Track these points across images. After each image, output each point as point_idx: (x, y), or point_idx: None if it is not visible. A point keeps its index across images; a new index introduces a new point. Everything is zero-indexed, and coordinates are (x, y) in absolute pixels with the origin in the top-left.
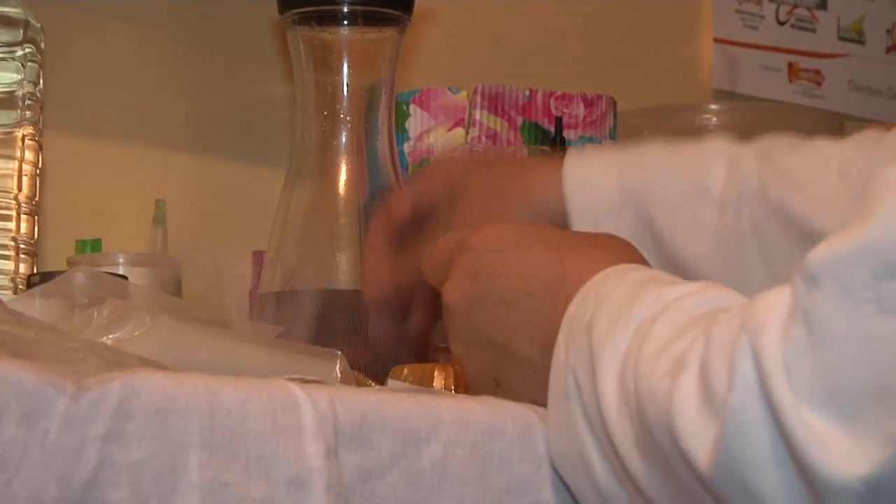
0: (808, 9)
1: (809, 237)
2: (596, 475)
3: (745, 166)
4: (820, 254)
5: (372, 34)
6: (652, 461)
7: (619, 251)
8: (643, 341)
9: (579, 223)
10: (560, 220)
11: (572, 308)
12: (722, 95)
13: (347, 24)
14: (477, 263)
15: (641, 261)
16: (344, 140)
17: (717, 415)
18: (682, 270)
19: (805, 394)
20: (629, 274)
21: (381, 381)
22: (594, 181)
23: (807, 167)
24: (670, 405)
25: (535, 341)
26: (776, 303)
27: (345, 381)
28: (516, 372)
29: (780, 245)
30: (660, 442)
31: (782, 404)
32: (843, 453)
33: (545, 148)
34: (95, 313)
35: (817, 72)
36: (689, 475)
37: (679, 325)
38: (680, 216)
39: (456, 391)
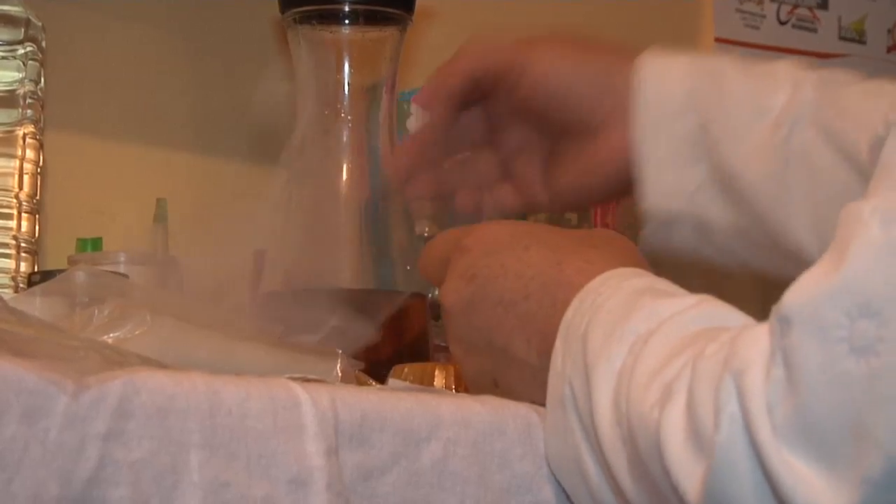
0: (810, 8)
1: (857, 168)
2: (590, 480)
3: (805, 92)
4: (794, 295)
5: (373, 33)
6: (643, 484)
7: (617, 252)
8: (636, 361)
9: (643, 116)
10: (622, 110)
11: (569, 314)
12: None
13: (348, 24)
14: (473, 265)
15: (639, 262)
16: (345, 139)
17: (705, 452)
18: (727, 180)
19: (785, 434)
20: (626, 281)
21: (381, 380)
22: (666, 79)
23: (861, 103)
24: (659, 437)
25: (533, 344)
26: (758, 341)
27: (346, 380)
28: (515, 373)
29: (828, 169)
30: (650, 469)
31: (764, 444)
32: (821, 493)
33: None
34: (96, 312)
35: None
36: None
37: (671, 347)
38: (737, 128)
39: (456, 390)
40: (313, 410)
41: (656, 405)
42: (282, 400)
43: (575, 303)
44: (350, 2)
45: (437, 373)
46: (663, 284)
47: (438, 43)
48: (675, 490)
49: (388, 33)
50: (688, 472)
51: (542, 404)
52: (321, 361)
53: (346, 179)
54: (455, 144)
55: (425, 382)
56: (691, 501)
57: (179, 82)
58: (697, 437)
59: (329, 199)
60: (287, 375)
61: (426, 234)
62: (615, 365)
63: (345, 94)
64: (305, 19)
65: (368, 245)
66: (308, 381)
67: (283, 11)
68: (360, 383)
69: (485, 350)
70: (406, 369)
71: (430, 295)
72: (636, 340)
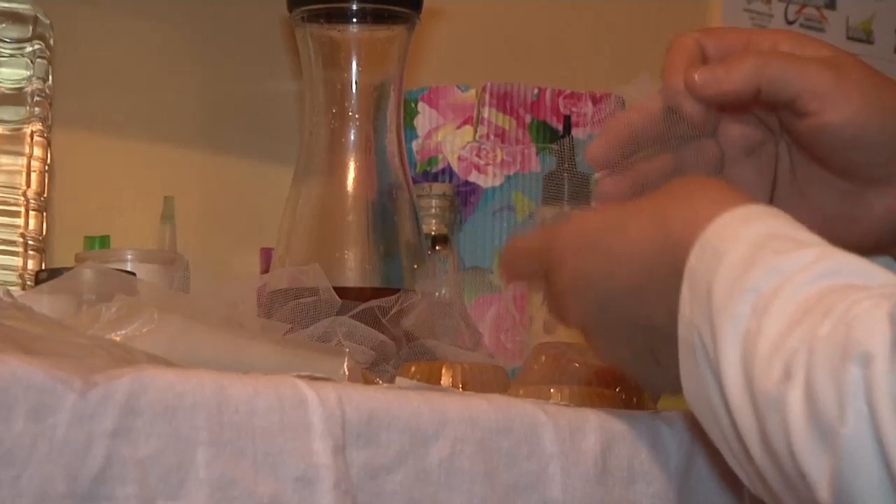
0: (817, 8)
1: None
2: (724, 431)
3: None
4: None
5: (381, 32)
6: (770, 456)
7: (715, 192)
8: (758, 329)
9: None
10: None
11: (693, 259)
12: None
13: (356, 22)
14: (582, 273)
15: (739, 197)
16: (352, 137)
17: (830, 444)
18: None
19: None
20: (745, 227)
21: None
22: None
23: None
24: (785, 419)
25: (675, 313)
26: (878, 326)
27: (353, 378)
28: (670, 346)
29: None
30: (777, 448)
31: (891, 440)
32: None
33: (553, 146)
34: (103, 309)
35: None
36: (806, 492)
37: (790, 314)
38: None
39: (464, 389)
40: (320, 408)
41: (780, 383)
42: (289, 398)
43: (696, 249)
44: (358, 0)
45: (444, 371)
46: (781, 226)
47: (446, 42)
48: (802, 476)
49: (395, 32)
50: (814, 462)
51: None
52: (328, 359)
53: (354, 178)
54: (675, 138)
55: (432, 381)
56: (822, 495)
57: (187, 80)
58: (821, 427)
59: (336, 198)
60: (294, 373)
61: (433, 233)
62: (740, 327)
63: (352, 92)
64: (313, 18)
65: (376, 243)
66: (315, 379)
67: (291, 10)
68: (368, 381)
69: (633, 335)
70: (413, 368)
71: (436, 293)
72: (758, 300)
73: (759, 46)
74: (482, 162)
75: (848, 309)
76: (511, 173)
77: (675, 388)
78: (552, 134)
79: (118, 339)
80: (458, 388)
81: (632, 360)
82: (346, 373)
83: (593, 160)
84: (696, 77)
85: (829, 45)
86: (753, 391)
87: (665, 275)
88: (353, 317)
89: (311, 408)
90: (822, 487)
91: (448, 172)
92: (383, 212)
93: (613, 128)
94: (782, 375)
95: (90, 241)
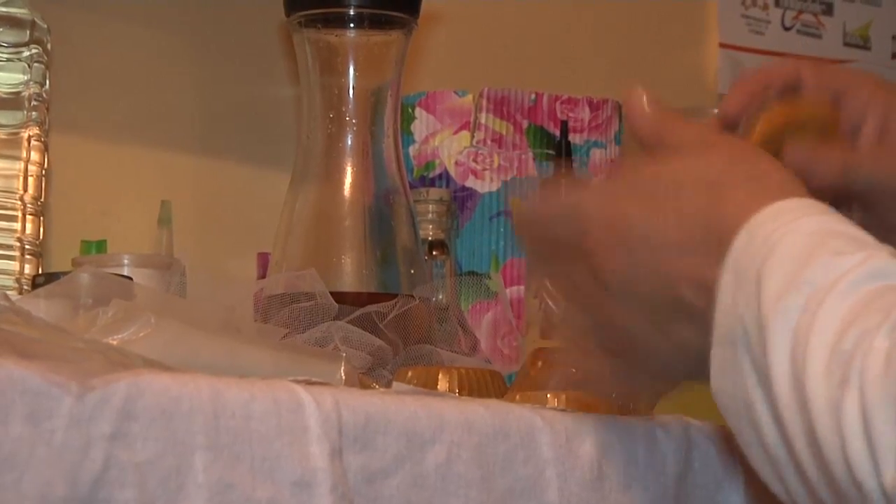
0: (814, 14)
1: None
2: (761, 428)
3: None
4: None
5: (378, 37)
6: (818, 456)
7: (775, 178)
8: (810, 327)
9: None
10: None
11: (739, 244)
12: None
13: (354, 27)
14: (623, 216)
15: (799, 188)
16: (349, 142)
17: (893, 466)
18: None
19: None
20: (801, 220)
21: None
22: None
23: None
24: (841, 429)
25: (702, 292)
26: None
27: (349, 383)
28: (688, 325)
29: None
30: (826, 452)
31: None
32: None
33: (550, 151)
34: (100, 314)
35: None
36: (861, 501)
37: (843, 314)
38: None
39: (460, 394)
40: (317, 413)
41: (834, 387)
42: (285, 402)
43: (743, 235)
44: (355, 5)
45: (441, 376)
46: (838, 222)
47: (443, 47)
48: (857, 485)
49: (393, 37)
50: (871, 475)
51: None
52: (325, 364)
53: (351, 183)
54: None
55: (429, 386)
56: None
57: (184, 85)
58: (876, 446)
59: (333, 203)
60: (291, 378)
61: (430, 238)
62: (791, 321)
63: (350, 97)
64: (311, 22)
65: (373, 248)
66: (312, 383)
67: (288, 14)
68: (364, 386)
69: (653, 301)
70: (410, 372)
71: (433, 299)
72: (812, 294)
73: (858, 97)
74: (479, 167)
75: None
76: (508, 178)
77: (675, 374)
78: (549, 139)
79: (115, 343)
80: (455, 392)
81: (642, 330)
82: (343, 377)
83: (726, 112)
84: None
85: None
86: (805, 389)
87: (706, 251)
88: (349, 322)
89: (308, 412)
90: (880, 499)
91: (445, 177)
92: (380, 217)
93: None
94: (839, 380)
95: (87, 246)
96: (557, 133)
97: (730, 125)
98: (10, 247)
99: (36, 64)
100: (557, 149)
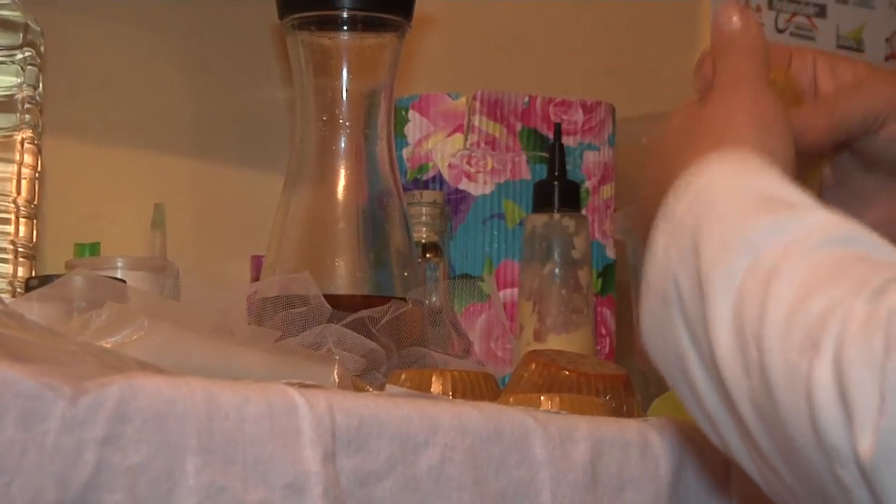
0: (808, 17)
1: None
2: (696, 386)
3: None
4: None
5: (371, 39)
6: (768, 420)
7: (744, 137)
8: (767, 291)
9: None
10: None
11: (671, 200)
12: None
13: (347, 30)
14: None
15: (774, 146)
16: (343, 145)
17: (865, 433)
18: None
19: None
20: (737, 179)
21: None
22: None
23: None
24: (810, 395)
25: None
26: None
27: (343, 386)
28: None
29: None
30: (789, 419)
31: None
32: None
33: (544, 154)
34: (94, 317)
35: None
36: (823, 462)
37: (806, 278)
38: None
39: (454, 396)
40: (310, 415)
41: (803, 354)
42: (279, 405)
43: (681, 190)
44: (349, 8)
45: (434, 379)
46: (779, 183)
47: (437, 49)
48: (824, 450)
49: (386, 40)
50: (844, 442)
51: None
52: (318, 367)
53: (344, 185)
54: None
55: (423, 388)
56: (850, 470)
57: (178, 87)
58: (852, 411)
59: (327, 206)
60: (284, 381)
61: (423, 240)
62: (735, 280)
63: (343, 100)
64: (304, 25)
65: (366, 251)
66: (305, 386)
67: (281, 17)
68: (358, 389)
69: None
70: (404, 375)
71: (426, 301)
72: (756, 257)
73: (803, 58)
74: (473, 170)
75: (883, 289)
76: (501, 181)
77: None
78: (543, 142)
79: (108, 346)
80: (449, 395)
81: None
82: (336, 380)
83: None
84: (805, 122)
85: (860, 62)
86: (760, 349)
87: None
88: (343, 325)
89: (301, 415)
90: (850, 463)
91: (438, 180)
92: (374, 219)
93: None
94: (805, 345)
95: (80, 249)
96: (551, 135)
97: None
98: (3, 249)
99: (29, 67)
100: (551, 151)
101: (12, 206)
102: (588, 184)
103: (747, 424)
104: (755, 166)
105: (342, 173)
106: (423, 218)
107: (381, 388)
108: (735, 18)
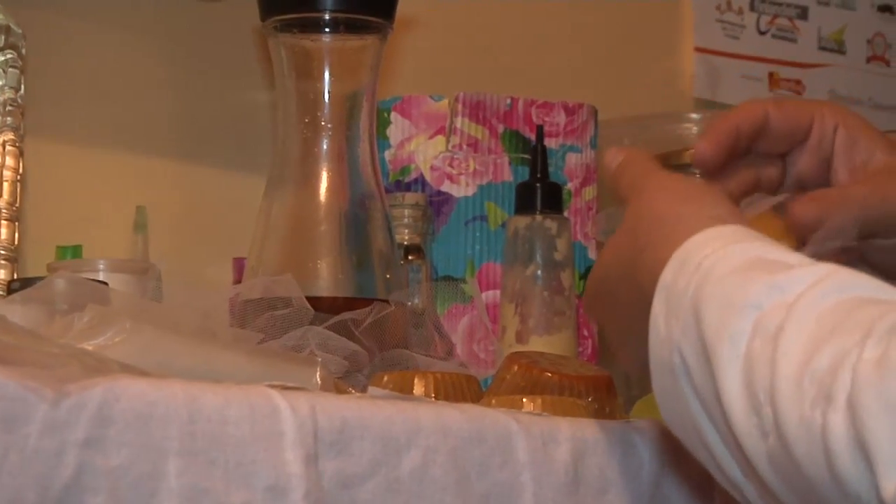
0: (789, 19)
1: None
2: (713, 450)
3: None
4: None
5: (353, 42)
6: (790, 479)
7: (713, 217)
8: (776, 350)
9: None
10: None
11: (668, 275)
12: (702, 104)
13: (329, 32)
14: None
15: (738, 220)
16: (325, 147)
17: (883, 473)
18: None
19: None
20: (734, 245)
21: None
22: None
23: None
24: (827, 445)
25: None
26: None
27: (325, 388)
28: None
29: None
30: (809, 472)
31: None
32: None
33: (526, 156)
34: (76, 319)
35: (798, 81)
36: None
37: (812, 331)
38: None
39: (436, 398)
40: (292, 418)
41: (816, 407)
42: (261, 407)
43: (674, 263)
44: (331, 10)
45: (416, 381)
46: (771, 248)
47: (419, 51)
48: (846, 496)
49: (368, 42)
50: (864, 485)
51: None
52: (301, 369)
53: (327, 188)
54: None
55: (405, 390)
56: None
57: (160, 90)
58: (873, 455)
59: (309, 208)
60: (266, 383)
61: (406, 242)
62: (739, 347)
63: (325, 102)
64: (286, 27)
65: (349, 253)
66: (287, 388)
67: (263, 19)
68: (340, 391)
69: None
70: (386, 377)
71: (409, 303)
72: (760, 319)
73: (824, 126)
74: (455, 172)
75: (890, 331)
76: (484, 183)
77: None
78: (525, 144)
79: (90, 348)
80: (431, 397)
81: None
82: (319, 382)
83: (702, 161)
84: (797, 210)
85: (882, 140)
86: (775, 408)
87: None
88: (326, 327)
89: (283, 417)
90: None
91: (421, 182)
92: (356, 222)
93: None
94: (817, 398)
95: (62, 251)
96: (533, 137)
97: (708, 172)
98: None
99: (11, 69)
100: (533, 153)
101: None
102: (570, 186)
103: (770, 486)
104: (735, 232)
105: (324, 175)
106: (406, 220)
107: (364, 390)
108: (615, 152)
